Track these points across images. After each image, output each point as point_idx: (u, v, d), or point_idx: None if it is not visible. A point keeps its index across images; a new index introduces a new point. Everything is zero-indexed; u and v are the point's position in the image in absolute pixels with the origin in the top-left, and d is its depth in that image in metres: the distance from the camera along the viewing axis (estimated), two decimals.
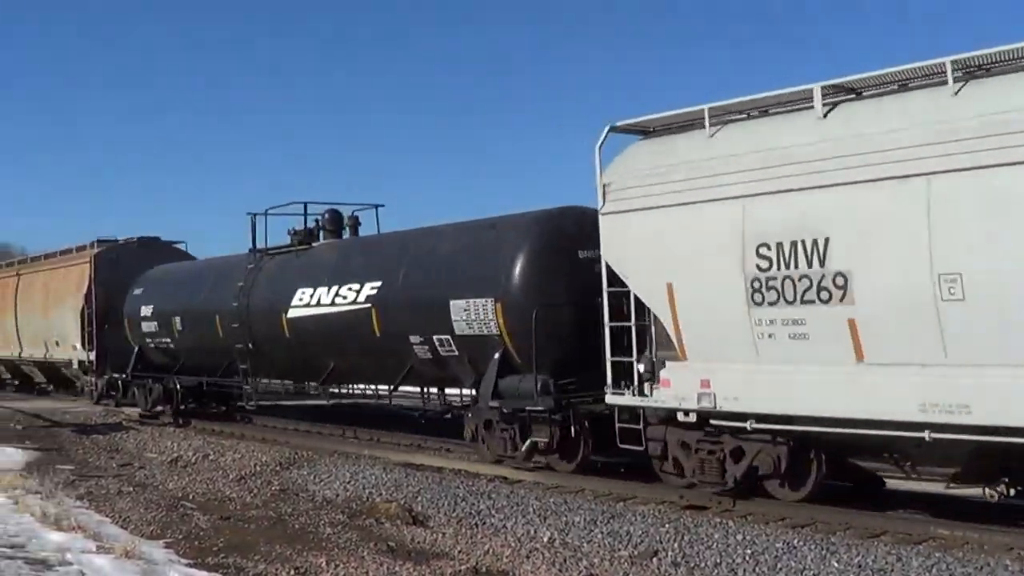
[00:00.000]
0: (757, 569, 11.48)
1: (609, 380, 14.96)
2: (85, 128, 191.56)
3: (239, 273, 24.34)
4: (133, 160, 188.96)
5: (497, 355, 17.13)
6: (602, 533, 13.20)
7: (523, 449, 17.11)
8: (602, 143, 15.01)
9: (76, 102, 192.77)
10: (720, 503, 14.21)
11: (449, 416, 20.06)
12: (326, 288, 20.75)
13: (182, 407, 27.96)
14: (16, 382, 42.34)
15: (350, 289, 20.05)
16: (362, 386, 23.58)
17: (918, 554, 11.18)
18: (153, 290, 28.79)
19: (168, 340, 27.56)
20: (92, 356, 32.37)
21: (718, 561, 11.81)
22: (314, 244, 23.39)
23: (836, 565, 11.19)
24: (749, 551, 11.85)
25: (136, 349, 29.21)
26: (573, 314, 16.30)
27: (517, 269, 16.69)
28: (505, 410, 17.12)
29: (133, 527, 14.17)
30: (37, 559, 11.18)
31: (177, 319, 26.73)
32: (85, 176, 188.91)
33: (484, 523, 14.43)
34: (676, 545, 12.40)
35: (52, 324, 35.72)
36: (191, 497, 16.99)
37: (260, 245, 24.39)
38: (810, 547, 11.68)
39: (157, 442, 24.18)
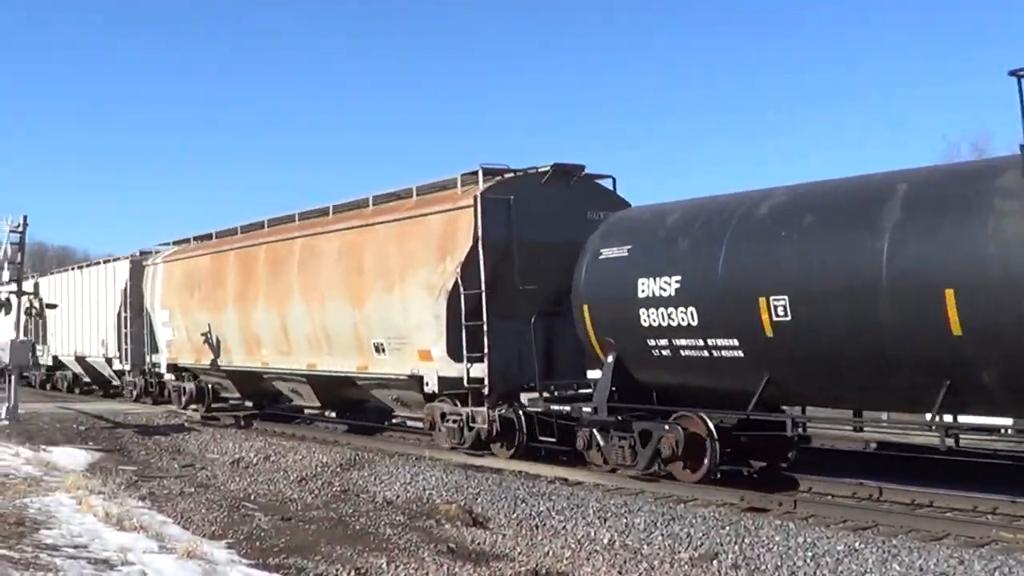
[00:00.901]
0: (818, 572, 11.56)
1: None
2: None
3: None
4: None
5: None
6: (662, 535, 13.33)
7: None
8: None
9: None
10: (781, 504, 14.31)
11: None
12: None
13: None
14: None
15: None
16: None
17: (980, 557, 11.18)
18: (656, 251, 16.65)
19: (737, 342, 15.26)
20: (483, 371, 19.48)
21: (778, 564, 11.90)
22: None
23: (897, 568, 11.23)
24: (810, 554, 11.92)
25: (611, 359, 17.15)
26: None
27: None
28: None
29: (195, 527, 14.33)
30: (100, 559, 11.26)
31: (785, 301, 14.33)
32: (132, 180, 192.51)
33: (544, 524, 14.60)
34: (736, 547, 12.51)
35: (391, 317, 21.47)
36: (252, 498, 17.27)
37: None
38: (871, 550, 11.73)
39: (219, 443, 24.57)
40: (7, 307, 28.86)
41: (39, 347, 40.74)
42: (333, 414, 27.85)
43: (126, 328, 35.27)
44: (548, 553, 12.98)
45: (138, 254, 36.75)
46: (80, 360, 41.12)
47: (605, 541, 13.46)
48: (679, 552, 12.72)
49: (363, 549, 13.02)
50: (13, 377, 28.03)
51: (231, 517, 15.26)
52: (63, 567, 10.43)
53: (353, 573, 11.79)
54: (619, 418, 16.78)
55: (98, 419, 29.15)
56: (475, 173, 20.21)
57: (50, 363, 44.69)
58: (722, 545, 12.64)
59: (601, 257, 17.29)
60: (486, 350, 19.17)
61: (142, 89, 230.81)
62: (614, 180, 21.20)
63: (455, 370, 19.71)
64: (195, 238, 32.36)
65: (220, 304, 28.39)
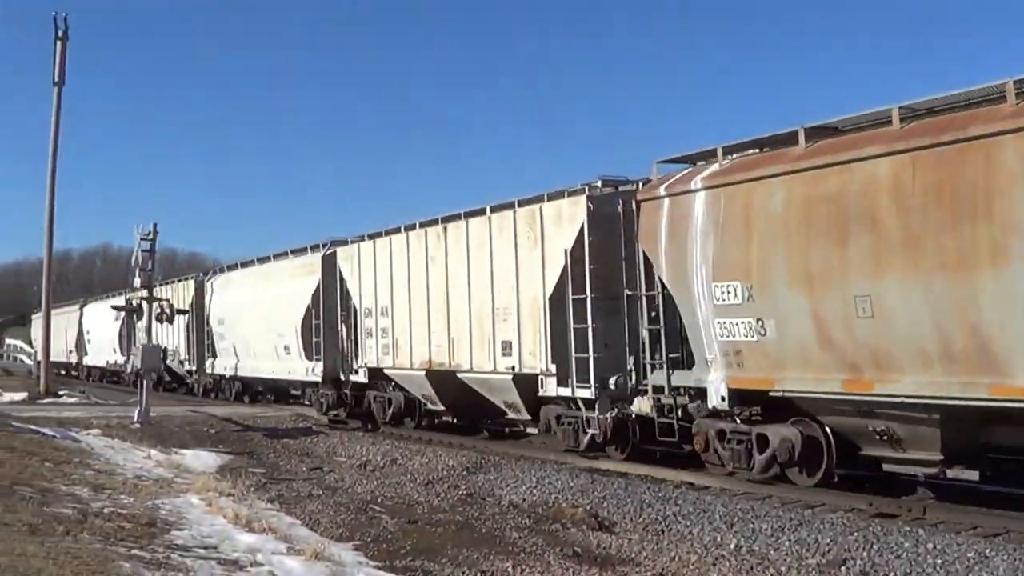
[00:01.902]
0: None
1: None
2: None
3: None
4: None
5: None
6: (789, 541, 13.39)
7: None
8: None
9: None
10: (910, 510, 14.24)
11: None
12: None
13: None
14: None
15: None
16: None
17: None
18: None
19: None
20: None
21: (907, 571, 11.92)
22: None
23: None
24: (939, 561, 11.91)
25: None
26: None
27: None
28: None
29: (323, 529, 14.67)
30: (229, 560, 11.49)
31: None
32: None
33: (670, 529, 14.74)
34: (864, 554, 12.54)
35: None
36: (379, 500, 17.64)
37: None
38: (1002, 557, 11.68)
39: (346, 446, 25.04)
40: (139, 313, 29.78)
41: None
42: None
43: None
44: (674, 558, 13.14)
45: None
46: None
47: (732, 546, 13.57)
48: (806, 558, 12.78)
49: (489, 552, 13.25)
50: (145, 381, 28.85)
51: (358, 519, 15.63)
52: (193, 567, 10.69)
53: None
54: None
55: (228, 422, 29.84)
56: None
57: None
58: (850, 551, 12.68)
59: None
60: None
61: (274, 99, 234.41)
62: None
63: None
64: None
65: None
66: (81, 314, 66.80)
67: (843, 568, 12.30)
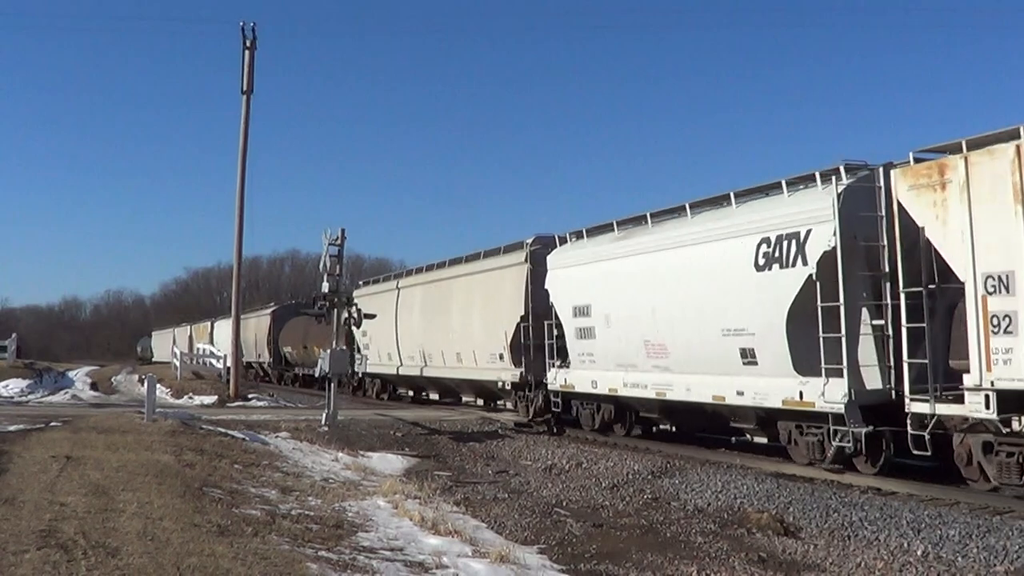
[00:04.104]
0: None
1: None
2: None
3: None
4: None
5: None
6: (977, 547, 13.47)
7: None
8: None
9: None
10: None
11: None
12: None
13: None
14: None
15: None
16: None
17: None
18: None
19: None
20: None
21: None
22: None
23: None
24: None
25: None
26: None
27: None
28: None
29: (508, 532, 15.15)
30: (415, 562, 11.80)
31: None
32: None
33: (856, 535, 14.93)
34: None
35: None
36: (564, 504, 18.16)
37: None
38: None
39: (532, 450, 25.66)
40: (327, 318, 30.76)
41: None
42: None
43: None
44: (860, 564, 13.32)
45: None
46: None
47: (919, 553, 13.69)
48: (995, 565, 12.89)
49: (673, 557, 13.64)
50: (332, 384, 29.84)
51: (543, 523, 16.15)
52: (379, 569, 11.16)
53: None
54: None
55: (414, 425, 30.57)
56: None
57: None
58: None
59: None
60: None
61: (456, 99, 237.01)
62: None
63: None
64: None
65: None
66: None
67: None
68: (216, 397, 42.37)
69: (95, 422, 25.95)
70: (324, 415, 29.55)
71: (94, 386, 60.91)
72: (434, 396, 41.29)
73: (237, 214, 42.67)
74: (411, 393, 43.98)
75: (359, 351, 44.95)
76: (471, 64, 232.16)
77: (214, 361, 57.99)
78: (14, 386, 51.49)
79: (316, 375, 34.16)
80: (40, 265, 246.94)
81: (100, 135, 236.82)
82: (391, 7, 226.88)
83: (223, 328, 72.07)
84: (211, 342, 74.66)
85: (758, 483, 18.61)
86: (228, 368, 46.63)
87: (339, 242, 30.04)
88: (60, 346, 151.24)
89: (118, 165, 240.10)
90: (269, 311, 71.45)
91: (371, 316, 33.08)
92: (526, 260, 30.75)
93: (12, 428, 24.22)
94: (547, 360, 29.50)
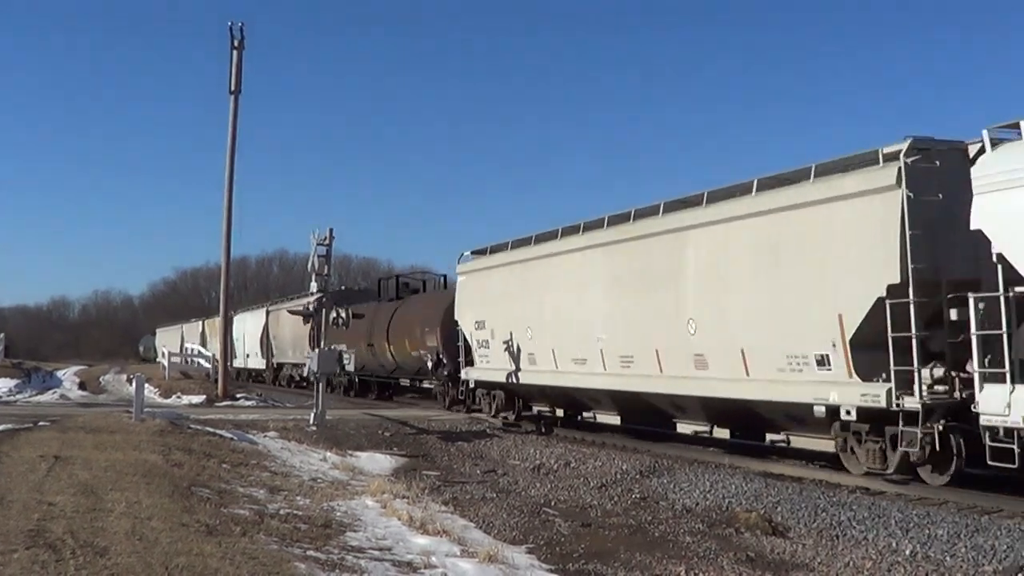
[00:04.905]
0: None
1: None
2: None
3: None
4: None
5: None
6: (966, 547, 13.44)
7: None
8: None
9: None
10: None
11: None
12: None
13: None
14: None
15: None
16: None
17: None
18: None
19: None
20: None
21: None
22: None
23: None
24: None
25: None
26: None
27: None
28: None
29: (496, 532, 15.13)
30: (403, 561, 11.73)
31: None
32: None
33: (845, 534, 14.90)
34: None
35: None
36: (553, 504, 18.14)
37: None
38: None
39: (520, 449, 25.60)
40: (315, 317, 30.77)
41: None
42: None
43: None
44: (848, 563, 13.29)
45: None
46: None
47: (907, 552, 13.66)
48: (983, 565, 12.85)
49: (662, 556, 13.62)
50: (320, 384, 29.87)
51: (532, 522, 16.13)
52: (367, 568, 11.14)
53: None
54: None
55: (403, 425, 30.44)
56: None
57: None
58: None
59: None
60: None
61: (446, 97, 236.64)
62: None
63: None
64: None
65: None
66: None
67: (1020, 575, 12.32)
68: (204, 397, 42.33)
69: (83, 422, 25.93)
70: (312, 414, 29.48)
71: (82, 386, 60.86)
72: (611, 420, 27.68)
73: (225, 214, 42.66)
74: (559, 412, 30.41)
75: (469, 350, 34.29)
76: (460, 62, 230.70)
77: (202, 361, 57.65)
78: (2, 386, 51.57)
79: (305, 374, 34.01)
80: (28, 265, 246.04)
81: (88, 134, 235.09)
82: (380, 6, 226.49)
83: (247, 322, 68.33)
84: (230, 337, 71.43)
85: (746, 482, 18.59)
86: (253, 369, 45.66)
87: (327, 242, 30.05)
88: (48, 346, 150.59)
89: (106, 165, 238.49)
90: (313, 299, 58.49)
91: (359, 316, 33.09)
92: (898, 182, 17.16)
93: (0, 428, 24.15)
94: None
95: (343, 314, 30.83)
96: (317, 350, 30.03)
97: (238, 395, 43.53)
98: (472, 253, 34.94)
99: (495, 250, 33.26)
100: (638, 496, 18.74)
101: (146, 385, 31.91)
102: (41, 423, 26.01)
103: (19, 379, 57.95)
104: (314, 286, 30.38)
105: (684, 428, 23.94)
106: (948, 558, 13.24)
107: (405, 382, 45.26)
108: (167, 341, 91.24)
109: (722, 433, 22.74)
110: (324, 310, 30.49)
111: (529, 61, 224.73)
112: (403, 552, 12.41)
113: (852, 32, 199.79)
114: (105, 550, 10.28)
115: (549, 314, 28.40)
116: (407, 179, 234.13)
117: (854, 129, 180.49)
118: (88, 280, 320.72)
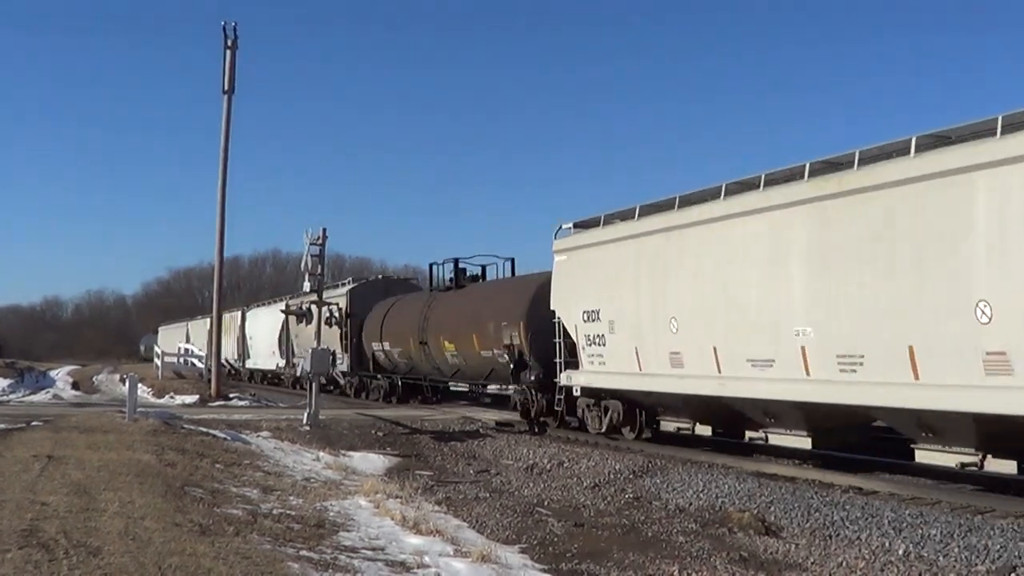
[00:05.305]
0: None
1: None
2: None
3: None
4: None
5: None
6: (959, 547, 13.44)
7: None
8: None
9: None
10: None
11: None
12: None
13: None
14: None
15: None
16: None
17: None
18: None
19: None
20: None
21: None
22: None
23: None
24: None
25: None
26: None
27: None
28: None
29: (489, 532, 15.13)
30: (396, 561, 11.70)
31: None
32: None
33: (838, 534, 14.90)
34: None
35: None
36: (546, 503, 18.16)
37: None
38: None
39: (513, 449, 25.57)
40: (308, 317, 30.77)
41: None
42: None
43: None
44: (841, 563, 13.29)
45: None
46: None
47: (900, 552, 13.66)
48: (976, 565, 12.86)
49: (655, 556, 13.64)
50: (313, 384, 29.86)
51: (525, 522, 16.14)
52: (361, 568, 11.12)
53: None
54: None
55: (396, 425, 30.42)
56: None
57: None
58: (1020, 557, 12.70)
59: None
60: None
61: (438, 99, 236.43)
62: None
63: None
64: None
65: None
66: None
67: (1013, 575, 12.33)
68: (198, 396, 42.14)
69: (76, 421, 25.87)
70: (305, 415, 29.49)
71: (75, 385, 60.92)
72: (794, 442, 20.40)
73: (219, 213, 42.57)
74: (702, 429, 23.78)
75: (572, 348, 27.59)
76: (455, 57, 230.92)
77: (196, 362, 57.51)
78: None
79: (298, 374, 33.91)
80: (21, 264, 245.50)
81: (80, 134, 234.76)
82: (376, 2, 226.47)
83: (261, 317, 63.42)
84: (244, 335, 70.24)
85: (739, 482, 18.58)
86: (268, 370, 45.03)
87: (320, 242, 30.06)
88: (41, 346, 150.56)
89: (99, 164, 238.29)
90: (345, 290, 46.70)
91: (353, 315, 33.08)
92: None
93: None
94: None
95: (335, 312, 30.83)
96: (310, 350, 30.04)
97: (231, 395, 43.39)
98: (575, 225, 27.71)
99: (611, 219, 26.03)
100: (631, 496, 18.75)
101: (139, 385, 31.81)
102: (34, 423, 25.98)
103: (12, 379, 58.02)
104: (307, 286, 30.36)
105: (929, 457, 17.08)
106: (941, 558, 13.24)
107: (461, 387, 39.11)
108: (170, 340, 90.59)
109: (1000, 466, 15.79)
110: (319, 309, 30.52)
111: (527, 56, 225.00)
112: (396, 552, 12.40)
113: (853, 22, 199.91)
114: (98, 550, 10.24)
115: (707, 300, 21.46)
116: (401, 178, 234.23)
117: (854, 120, 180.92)
118: (81, 280, 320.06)
